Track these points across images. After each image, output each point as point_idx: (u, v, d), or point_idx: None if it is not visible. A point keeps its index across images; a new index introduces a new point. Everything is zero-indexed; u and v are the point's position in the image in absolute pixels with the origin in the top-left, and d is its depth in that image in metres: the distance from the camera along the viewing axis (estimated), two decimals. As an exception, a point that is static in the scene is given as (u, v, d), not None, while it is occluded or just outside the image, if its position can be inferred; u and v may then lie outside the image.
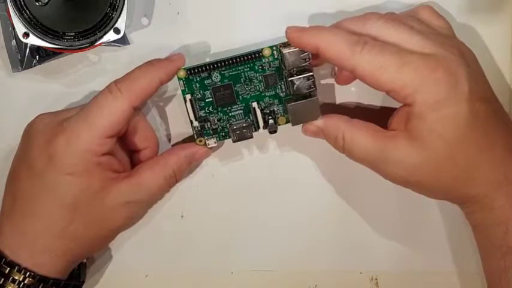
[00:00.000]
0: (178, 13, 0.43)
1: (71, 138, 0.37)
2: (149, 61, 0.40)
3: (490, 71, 0.39)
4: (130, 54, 0.43)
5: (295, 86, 0.39)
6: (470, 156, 0.36)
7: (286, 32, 0.38)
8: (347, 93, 0.43)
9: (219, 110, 0.41)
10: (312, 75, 0.39)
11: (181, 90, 0.40)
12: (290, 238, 0.45)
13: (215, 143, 0.41)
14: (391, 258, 0.45)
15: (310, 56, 0.39)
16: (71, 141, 0.37)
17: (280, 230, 0.44)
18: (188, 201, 0.44)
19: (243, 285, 0.45)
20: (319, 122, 0.40)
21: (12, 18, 0.38)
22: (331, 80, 0.43)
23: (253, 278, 0.45)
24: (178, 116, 0.43)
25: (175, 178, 0.41)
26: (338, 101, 0.44)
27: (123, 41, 0.42)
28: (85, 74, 0.43)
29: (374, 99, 0.43)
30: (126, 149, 0.42)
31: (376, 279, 0.45)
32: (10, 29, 0.41)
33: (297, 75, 0.39)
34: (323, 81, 0.43)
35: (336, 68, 0.42)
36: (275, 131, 0.41)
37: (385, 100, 0.43)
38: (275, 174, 0.44)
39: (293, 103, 0.40)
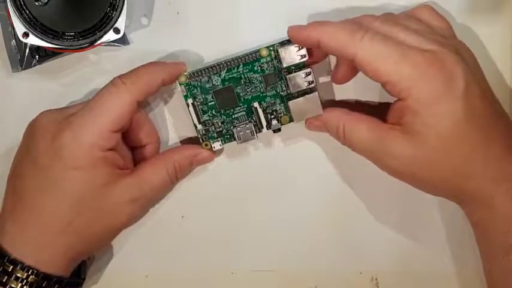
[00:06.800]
0: (178, 13, 0.43)
1: (76, 133, 0.37)
2: (153, 61, 0.41)
3: (490, 71, 0.39)
4: (130, 54, 0.43)
5: (293, 82, 0.40)
6: (465, 152, 0.36)
7: (287, 31, 0.39)
8: (346, 91, 0.43)
9: (222, 112, 0.41)
10: (310, 72, 0.40)
11: (184, 96, 0.41)
12: (290, 238, 0.44)
13: (220, 145, 0.41)
14: (391, 258, 0.44)
15: (306, 52, 0.39)
16: (77, 136, 0.37)
17: (280, 230, 0.44)
18: (188, 201, 0.44)
19: (243, 285, 0.45)
20: (322, 116, 0.40)
21: (12, 18, 0.38)
22: (329, 78, 0.43)
23: (253, 278, 0.45)
24: (183, 118, 0.43)
25: (176, 175, 0.41)
26: (337, 98, 0.44)
27: (123, 41, 0.42)
28: (85, 74, 0.43)
29: (372, 96, 0.43)
30: (129, 146, 0.42)
31: (376, 280, 0.45)
32: (10, 29, 0.41)
33: (295, 72, 0.40)
34: (321, 80, 0.43)
35: (333, 65, 0.43)
36: (279, 130, 0.41)
37: (383, 96, 0.43)
38: (274, 174, 0.44)
39: (294, 100, 0.40)
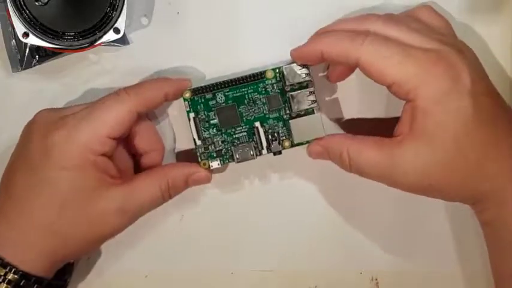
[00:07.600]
0: (178, 13, 0.43)
1: (71, 133, 0.37)
2: (159, 77, 0.42)
3: (490, 71, 0.38)
4: (130, 54, 0.43)
5: (295, 100, 0.40)
6: (478, 150, 0.36)
7: (290, 54, 0.39)
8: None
9: (223, 131, 0.41)
10: (313, 91, 0.40)
11: (186, 111, 0.40)
12: (290, 238, 0.44)
13: (218, 165, 0.41)
14: (391, 258, 0.44)
15: (310, 71, 0.39)
16: (71, 135, 0.37)
17: (280, 230, 0.44)
18: (188, 201, 0.44)
19: (242, 285, 0.45)
20: (323, 142, 0.40)
21: (12, 18, 0.38)
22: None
23: (253, 278, 0.45)
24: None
25: (168, 192, 0.40)
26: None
27: (123, 41, 0.42)
28: (85, 74, 0.43)
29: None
30: (131, 153, 0.42)
31: (376, 280, 0.45)
32: (10, 29, 0.41)
33: (298, 91, 0.40)
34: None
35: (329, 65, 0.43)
36: (280, 153, 0.41)
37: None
38: (276, 175, 0.44)
39: (295, 119, 0.40)
